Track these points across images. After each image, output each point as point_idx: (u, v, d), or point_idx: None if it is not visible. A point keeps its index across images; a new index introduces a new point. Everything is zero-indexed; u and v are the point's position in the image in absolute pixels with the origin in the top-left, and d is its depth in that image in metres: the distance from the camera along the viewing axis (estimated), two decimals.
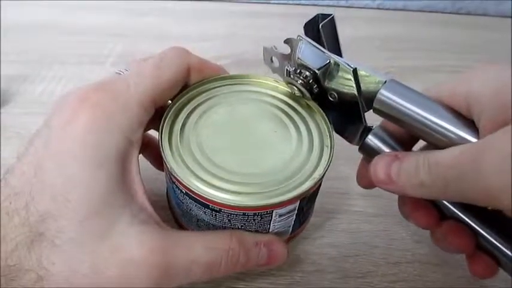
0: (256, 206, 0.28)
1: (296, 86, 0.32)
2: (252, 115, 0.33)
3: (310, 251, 0.37)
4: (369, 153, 0.31)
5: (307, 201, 0.31)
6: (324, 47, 0.31)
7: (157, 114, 0.30)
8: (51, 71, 0.56)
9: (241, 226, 0.30)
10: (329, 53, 0.30)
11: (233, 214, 0.28)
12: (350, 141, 0.32)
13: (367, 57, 0.60)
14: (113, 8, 0.70)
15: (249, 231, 0.30)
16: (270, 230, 0.31)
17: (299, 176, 0.29)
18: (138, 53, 0.59)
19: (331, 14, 0.32)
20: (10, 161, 0.42)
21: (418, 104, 0.27)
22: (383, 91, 0.28)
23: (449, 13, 0.74)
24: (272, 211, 0.29)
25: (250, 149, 0.30)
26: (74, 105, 0.26)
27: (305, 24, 0.32)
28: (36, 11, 0.69)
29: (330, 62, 0.30)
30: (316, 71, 0.30)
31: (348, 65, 0.29)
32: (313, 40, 0.31)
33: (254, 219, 0.29)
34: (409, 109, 0.27)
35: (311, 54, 0.31)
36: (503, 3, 0.73)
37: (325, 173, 0.30)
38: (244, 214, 0.28)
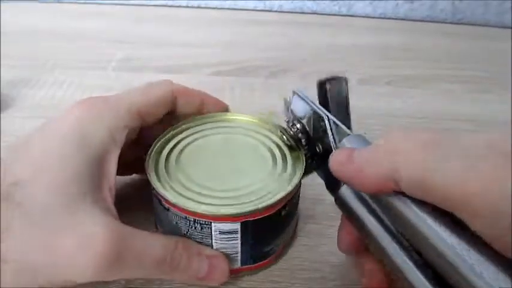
0: (193, 211, 0.29)
1: (286, 137, 0.34)
2: (235, 147, 0.35)
3: (311, 258, 0.37)
4: (343, 207, 0.29)
5: (253, 230, 0.31)
6: (328, 105, 0.32)
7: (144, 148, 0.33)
8: (52, 76, 0.56)
9: (187, 232, 0.31)
10: (314, 105, 0.31)
11: (178, 216, 0.30)
12: None
13: (368, 65, 0.61)
14: (114, 14, 0.71)
15: (194, 240, 0.31)
16: (213, 247, 0.31)
17: (252, 198, 0.30)
18: (140, 59, 0.60)
19: (342, 77, 0.32)
20: None
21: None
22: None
23: (450, 23, 0.74)
24: (210, 223, 0.30)
25: (226, 172, 0.33)
26: (70, 106, 0.30)
27: (318, 82, 0.32)
28: (37, 16, 0.69)
29: (312, 112, 0.31)
30: (302, 121, 0.32)
31: (324, 113, 0.30)
32: (322, 98, 0.32)
33: (195, 227, 0.30)
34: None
35: (302, 107, 0.32)
36: (504, 13, 0.73)
37: (278, 205, 0.30)
38: (186, 218, 0.30)
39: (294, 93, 0.33)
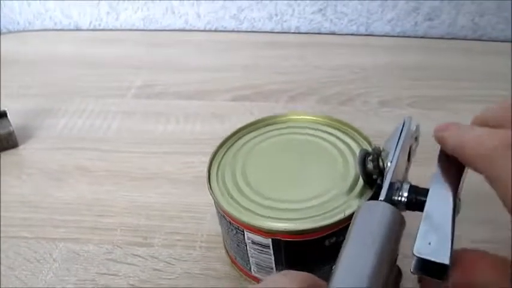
0: (228, 212, 0.29)
1: (360, 164, 0.29)
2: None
3: None
4: None
5: (286, 251, 0.29)
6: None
7: None
8: (72, 105, 0.56)
9: (227, 233, 0.31)
10: (395, 145, 0.28)
11: (221, 214, 0.30)
12: None
13: (389, 86, 0.59)
14: (132, 40, 0.71)
15: (234, 243, 0.31)
16: (249, 256, 0.30)
17: (296, 215, 0.28)
18: (159, 85, 0.60)
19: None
20: (31, 198, 0.43)
21: None
22: None
23: (471, 39, 0.73)
24: (243, 230, 0.28)
25: (289, 179, 0.31)
26: None
27: None
28: (56, 45, 0.70)
29: (382, 149, 0.29)
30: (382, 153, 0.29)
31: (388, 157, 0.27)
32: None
33: (231, 229, 0.30)
34: None
35: (390, 143, 0.28)
36: None
37: (319, 232, 0.27)
38: (224, 217, 0.30)
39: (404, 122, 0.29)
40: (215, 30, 0.75)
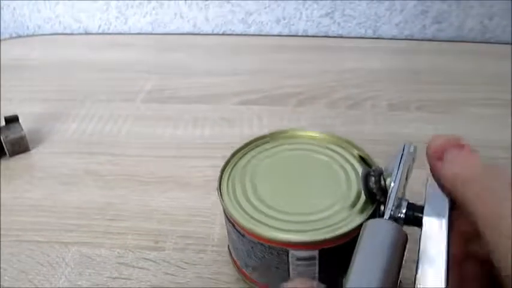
0: (268, 238, 0.28)
1: (363, 182, 0.30)
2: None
3: None
4: None
5: (331, 259, 0.29)
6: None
7: None
8: (83, 109, 0.57)
9: (262, 257, 0.30)
10: (397, 167, 0.29)
11: (253, 242, 0.30)
12: None
13: (397, 90, 0.60)
14: (142, 45, 0.72)
15: (270, 268, 0.30)
16: (290, 275, 0.30)
17: (330, 223, 0.29)
18: (168, 90, 0.60)
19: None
20: (43, 202, 0.43)
21: None
22: None
23: (480, 42, 0.73)
24: (288, 250, 0.29)
25: (300, 194, 0.32)
26: None
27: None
28: (66, 49, 0.71)
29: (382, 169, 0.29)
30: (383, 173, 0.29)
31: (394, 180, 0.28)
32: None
33: (271, 253, 0.29)
34: None
35: (392, 164, 0.29)
36: None
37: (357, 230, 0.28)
38: (262, 244, 0.29)
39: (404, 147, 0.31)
40: (223, 34, 0.76)
